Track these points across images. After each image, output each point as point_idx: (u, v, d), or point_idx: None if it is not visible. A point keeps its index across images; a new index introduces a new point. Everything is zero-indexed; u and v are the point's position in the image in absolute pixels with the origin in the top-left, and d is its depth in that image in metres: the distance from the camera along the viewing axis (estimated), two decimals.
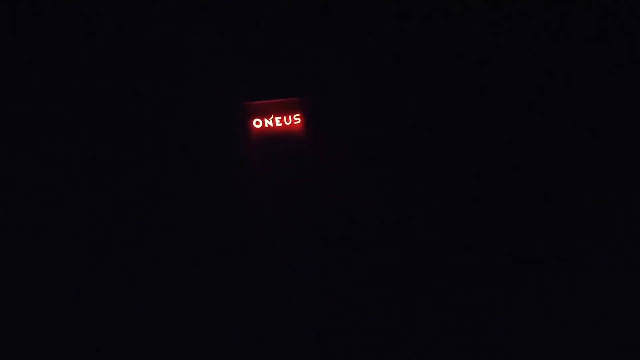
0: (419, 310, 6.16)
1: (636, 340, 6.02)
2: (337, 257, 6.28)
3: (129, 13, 6.41)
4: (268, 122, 6.41)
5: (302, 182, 6.35)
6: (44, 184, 6.34)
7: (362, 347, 6.11)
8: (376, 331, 6.13)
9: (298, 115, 6.39)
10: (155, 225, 6.30)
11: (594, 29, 6.42)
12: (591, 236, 6.28)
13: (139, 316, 6.18)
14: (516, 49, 6.41)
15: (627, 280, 6.18)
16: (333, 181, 6.32)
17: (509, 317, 6.13)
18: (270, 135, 6.40)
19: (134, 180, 6.35)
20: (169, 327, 6.20)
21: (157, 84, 6.38)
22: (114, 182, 6.35)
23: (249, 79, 6.38)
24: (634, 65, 6.40)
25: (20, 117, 6.38)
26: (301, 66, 6.40)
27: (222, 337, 6.16)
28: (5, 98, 6.39)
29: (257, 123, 6.42)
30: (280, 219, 6.32)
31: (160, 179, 6.36)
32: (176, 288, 6.23)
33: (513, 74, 6.41)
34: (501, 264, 6.24)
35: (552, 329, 6.10)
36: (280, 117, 6.39)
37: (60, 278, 6.26)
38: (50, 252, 6.29)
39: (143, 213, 6.30)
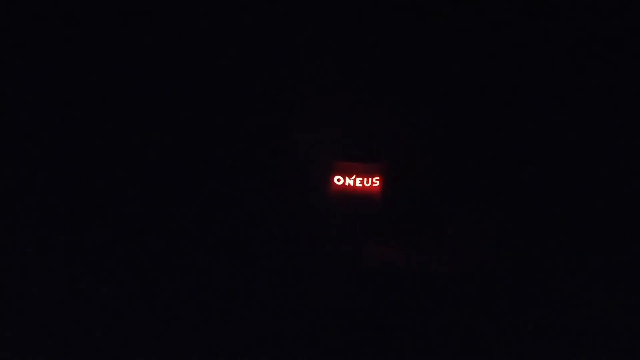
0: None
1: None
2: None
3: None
4: (349, 181, 7.05)
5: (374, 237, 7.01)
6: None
7: None
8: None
9: (377, 178, 7.05)
10: (234, 276, 6.77)
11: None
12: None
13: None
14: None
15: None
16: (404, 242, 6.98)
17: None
18: (349, 193, 7.03)
19: (222, 220, 6.92)
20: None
21: (246, 133, 7.01)
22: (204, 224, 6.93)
23: (338, 141, 7.06)
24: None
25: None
26: (385, 134, 7.10)
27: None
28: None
29: (339, 180, 7.06)
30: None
31: (241, 225, 6.93)
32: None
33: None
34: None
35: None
36: (361, 178, 7.04)
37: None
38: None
39: (226, 253, 6.84)
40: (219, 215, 6.94)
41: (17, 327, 6.34)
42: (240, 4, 6.95)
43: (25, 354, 6.14)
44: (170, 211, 6.96)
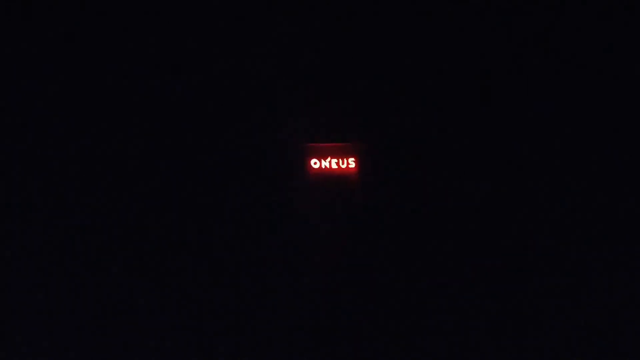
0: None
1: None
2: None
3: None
4: (325, 164, 6.86)
5: (353, 222, 6.81)
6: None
7: None
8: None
9: (353, 159, 6.84)
10: (209, 263, 6.70)
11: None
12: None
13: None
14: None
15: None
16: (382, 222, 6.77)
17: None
18: (326, 176, 6.85)
19: (189, 215, 6.76)
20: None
21: (218, 118, 6.86)
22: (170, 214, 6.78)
23: (310, 122, 6.86)
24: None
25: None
26: (357, 112, 6.88)
27: None
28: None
29: (315, 164, 6.87)
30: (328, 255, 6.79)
31: (217, 211, 6.76)
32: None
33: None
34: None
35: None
36: (336, 160, 6.85)
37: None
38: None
39: (197, 247, 6.71)
40: (195, 214, 6.83)
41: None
42: None
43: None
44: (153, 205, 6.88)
